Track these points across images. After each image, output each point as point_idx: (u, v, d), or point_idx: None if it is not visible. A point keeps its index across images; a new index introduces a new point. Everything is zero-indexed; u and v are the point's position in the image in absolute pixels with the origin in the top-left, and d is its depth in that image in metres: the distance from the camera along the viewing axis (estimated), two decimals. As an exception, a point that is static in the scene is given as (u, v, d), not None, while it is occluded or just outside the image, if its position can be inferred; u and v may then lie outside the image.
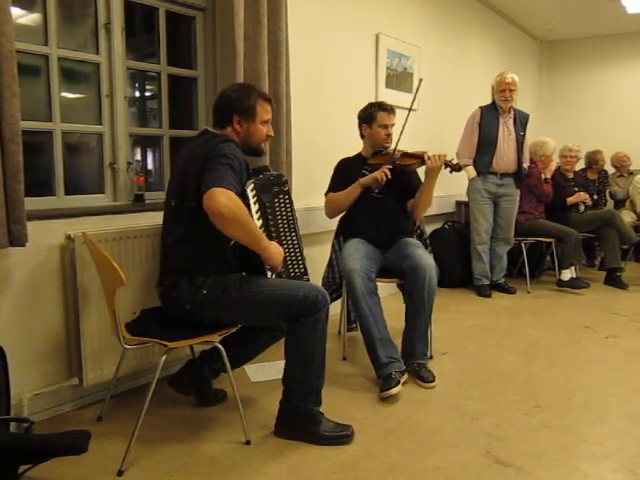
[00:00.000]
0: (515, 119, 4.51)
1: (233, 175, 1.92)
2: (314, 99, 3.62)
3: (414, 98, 3.01)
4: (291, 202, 2.30)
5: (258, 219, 2.14)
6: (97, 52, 2.57)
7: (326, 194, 3.14)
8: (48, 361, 2.33)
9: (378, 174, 2.89)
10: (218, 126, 2.20)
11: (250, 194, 2.10)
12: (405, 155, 3.01)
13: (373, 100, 4.13)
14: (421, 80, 2.99)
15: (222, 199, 1.81)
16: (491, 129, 4.42)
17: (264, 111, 2.21)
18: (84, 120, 2.61)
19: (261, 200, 2.16)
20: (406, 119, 2.98)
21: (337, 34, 3.79)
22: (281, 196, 2.25)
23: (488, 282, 4.65)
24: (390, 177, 2.89)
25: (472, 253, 4.67)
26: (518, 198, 4.64)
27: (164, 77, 2.88)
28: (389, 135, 3.04)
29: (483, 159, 4.45)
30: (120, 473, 1.94)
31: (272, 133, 2.29)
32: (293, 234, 2.31)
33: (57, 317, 2.34)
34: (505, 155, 4.45)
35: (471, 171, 4.47)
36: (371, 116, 3.04)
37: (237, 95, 2.17)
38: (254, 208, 2.12)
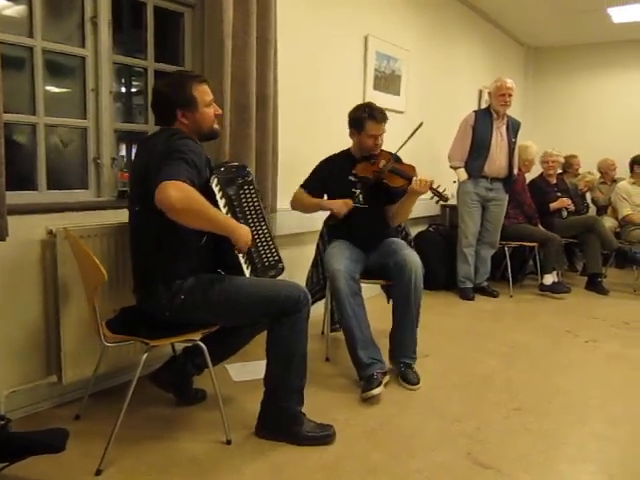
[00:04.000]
0: (508, 125, 4.54)
1: (186, 167, 1.86)
2: (302, 99, 3.62)
3: (408, 138, 2.96)
4: (257, 192, 2.27)
5: (226, 213, 2.10)
6: (83, 45, 2.54)
7: (301, 186, 3.10)
8: (26, 358, 2.30)
9: (339, 208, 2.88)
10: (164, 125, 2.13)
11: (215, 189, 2.05)
12: (393, 172, 2.93)
13: (360, 101, 4.13)
14: (421, 123, 2.92)
15: (171, 191, 1.75)
16: (485, 133, 4.44)
17: (203, 94, 2.12)
18: (68, 114, 2.58)
19: (227, 194, 2.11)
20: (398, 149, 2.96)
21: (326, 34, 3.79)
22: (246, 187, 2.22)
23: (472, 285, 4.67)
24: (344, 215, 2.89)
25: (458, 255, 4.68)
26: (506, 203, 4.68)
27: (151, 73, 2.85)
28: (377, 145, 2.98)
29: (475, 163, 4.47)
30: (98, 472, 1.92)
31: (219, 111, 2.21)
32: (262, 223, 2.28)
33: (36, 313, 2.31)
34: (497, 160, 4.48)
35: (462, 174, 4.49)
36: (361, 124, 2.95)
37: (172, 89, 2.08)
38: (221, 203, 2.07)
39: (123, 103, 3.15)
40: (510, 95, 4.42)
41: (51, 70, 2.53)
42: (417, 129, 2.91)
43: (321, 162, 3.15)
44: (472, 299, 4.57)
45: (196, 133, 2.11)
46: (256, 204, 2.26)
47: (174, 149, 1.91)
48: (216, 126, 2.20)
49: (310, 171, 3.14)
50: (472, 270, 4.66)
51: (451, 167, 4.56)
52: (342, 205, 2.90)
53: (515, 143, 4.58)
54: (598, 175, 6.06)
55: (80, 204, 2.49)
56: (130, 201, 2.15)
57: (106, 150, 2.64)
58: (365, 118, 2.93)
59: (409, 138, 2.93)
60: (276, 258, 2.33)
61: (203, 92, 2.12)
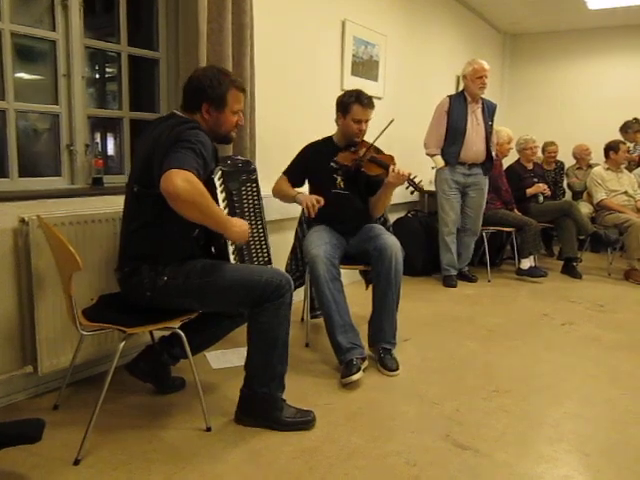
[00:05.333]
0: (483, 108, 4.47)
1: (195, 157, 1.85)
2: (279, 85, 3.58)
3: (380, 134, 2.94)
4: (258, 190, 2.27)
5: (225, 207, 2.10)
6: (54, 29, 2.48)
7: (283, 172, 3.11)
8: (0, 349, 2.25)
9: (308, 205, 2.81)
10: (187, 110, 2.12)
11: (217, 182, 2.05)
12: (372, 161, 2.94)
13: (338, 87, 4.14)
14: (392, 120, 2.92)
15: (178, 181, 1.74)
16: (460, 119, 4.37)
17: (235, 101, 2.13)
18: (40, 100, 2.52)
19: (228, 188, 2.12)
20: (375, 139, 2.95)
21: (303, 19, 3.75)
22: (248, 184, 2.22)
23: (455, 273, 4.65)
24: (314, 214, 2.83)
25: (440, 244, 4.64)
26: (486, 188, 4.62)
27: (124, 57, 2.80)
28: (361, 130, 2.96)
29: (451, 149, 4.40)
30: (77, 462, 1.90)
31: (242, 122, 2.22)
32: (259, 222, 2.28)
33: (10, 303, 2.26)
34: (474, 145, 4.40)
35: (439, 161, 4.42)
36: (347, 107, 2.94)
37: (209, 82, 2.07)
38: (221, 197, 2.07)
39: (97, 89, 3.09)
40: (487, 77, 4.34)
41: (21, 55, 2.47)
42: (388, 125, 2.91)
43: (304, 148, 3.14)
44: (455, 286, 4.55)
45: (212, 132, 2.10)
46: (256, 203, 2.26)
47: (184, 138, 1.90)
48: (233, 134, 2.22)
49: (289, 157, 3.13)
50: (455, 258, 4.64)
51: (427, 154, 4.52)
52: (312, 203, 2.82)
53: (492, 126, 4.51)
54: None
55: (53, 192, 2.44)
56: (129, 180, 2.14)
57: (79, 137, 2.59)
58: (352, 102, 2.92)
59: (381, 134, 2.93)
60: (266, 259, 2.34)
61: (236, 99, 2.14)
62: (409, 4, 5.04)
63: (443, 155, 4.43)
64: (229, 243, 2.10)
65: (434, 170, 4.67)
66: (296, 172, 3.09)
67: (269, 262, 2.34)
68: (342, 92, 3.05)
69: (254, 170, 2.26)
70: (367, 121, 2.97)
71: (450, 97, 4.50)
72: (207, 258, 2.17)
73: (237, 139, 2.97)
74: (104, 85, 3.21)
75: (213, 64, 2.79)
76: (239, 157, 2.33)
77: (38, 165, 2.60)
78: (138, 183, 2.05)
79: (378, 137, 2.94)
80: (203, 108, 2.09)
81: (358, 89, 3.03)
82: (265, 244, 2.32)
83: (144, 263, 2.02)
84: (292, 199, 2.99)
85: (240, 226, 2.04)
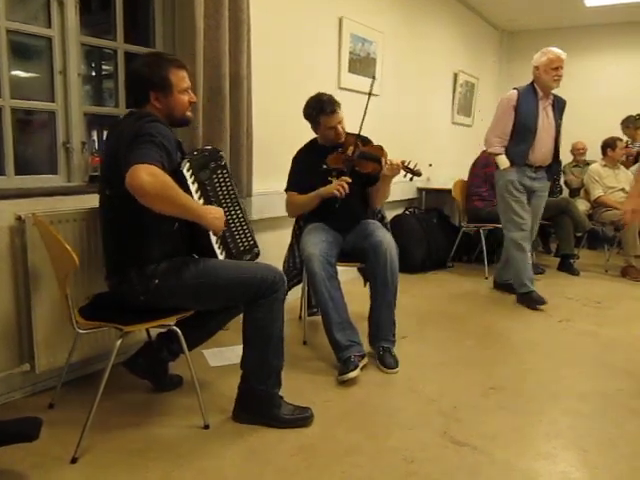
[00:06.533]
0: (554, 105, 3.94)
1: (157, 150, 1.82)
2: (276, 81, 3.57)
3: (367, 102, 2.88)
4: (230, 175, 2.25)
5: (199, 198, 2.07)
6: (49, 26, 2.47)
7: (286, 190, 3.08)
8: (-3, 347, 2.26)
9: (336, 189, 2.80)
10: (138, 106, 2.09)
11: (187, 174, 2.02)
12: (363, 157, 2.90)
13: (336, 84, 4.13)
14: (373, 77, 2.88)
15: (143, 175, 1.71)
16: (530, 115, 3.83)
17: (179, 79, 2.08)
18: (36, 97, 2.51)
19: (199, 178, 2.08)
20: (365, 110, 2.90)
21: (300, 16, 3.75)
22: (219, 171, 2.19)
23: (533, 288, 4.01)
24: (348, 191, 2.80)
25: (512, 253, 4.02)
26: (547, 193, 4.17)
27: (121, 55, 2.78)
28: (339, 133, 2.94)
29: (519, 149, 3.87)
30: (74, 460, 1.90)
31: (194, 99, 2.18)
32: (237, 208, 2.26)
33: (6, 301, 2.26)
34: (543, 146, 3.88)
35: (503, 161, 3.90)
36: (315, 120, 2.94)
37: (148, 70, 2.04)
38: (193, 188, 2.04)
39: (93, 86, 3.09)
40: (562, 68, 3.83)
41: (17, 52, 2.46)
42: (372, 86, 2.84)
43: (293, 159, 3.12)
44: (545, 303, 3.89)
45: (167, 118, 2.07)
46: (230, 188, 2.24)
47: (144, 132, 1.87)
48: (189, 114, 2.17)
49: (286, 154, 3.12)
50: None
51: (489, 153, 4.07)
52: (339, 188, 2.80)
53: (561, 125, 4.00)
54: None
55: (50, 189, 2.43)
56: (100, 186, 2.11)
57: (76, 134, 2.58)
58: (317, 115, 2.91)
59: (368, 101, 2.87)
60: (251, 242, 2.32)
61: (180, 78, 2.09)
62: (406, 1, 5.03)
63: (508, 154, 3.92)
64: (211, 233, 2.08)
65: (432, 166, 4.65)
66: (301, 181, 3.04)
67: (255, 246, 2.32)
68: (311, 99, 2.99)
69: (222, 157, 2.23)
70: (340, 122, 2.93)
71: (519, 90, 3.94)
72: (192, 252, 2.15)
73: (233, 137, 2.98)
74: (100, 82, 3.21)
75: (209, 61, 2.79)
76: (205, 147, 2.31)
77: (35, 163, 2.59)
78: (109, 186, 2.02)
79: (365, 113, 2.88)
80: (152, 97, 2.05)
81: (317, 96, 2.96)
82: (247, 228, 2.30)
83: (131, 269, 1.99)
84: (317, 197, 2.93)
85: (215, 213, 2.02)
